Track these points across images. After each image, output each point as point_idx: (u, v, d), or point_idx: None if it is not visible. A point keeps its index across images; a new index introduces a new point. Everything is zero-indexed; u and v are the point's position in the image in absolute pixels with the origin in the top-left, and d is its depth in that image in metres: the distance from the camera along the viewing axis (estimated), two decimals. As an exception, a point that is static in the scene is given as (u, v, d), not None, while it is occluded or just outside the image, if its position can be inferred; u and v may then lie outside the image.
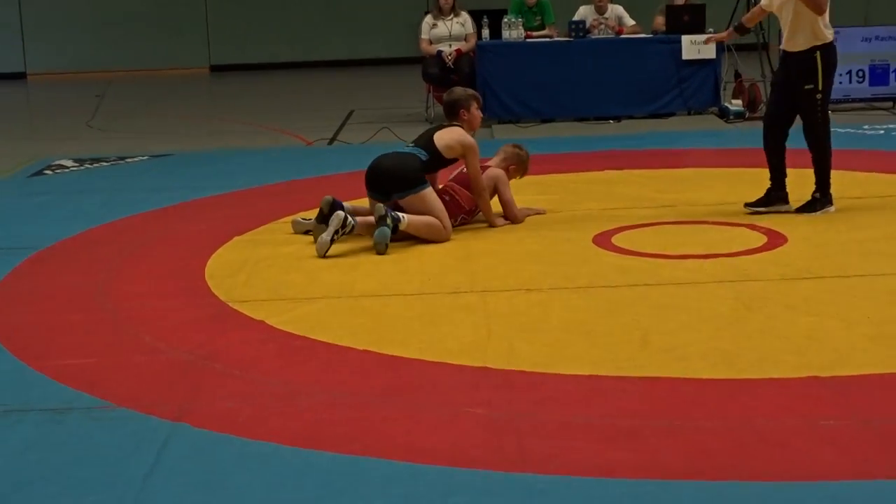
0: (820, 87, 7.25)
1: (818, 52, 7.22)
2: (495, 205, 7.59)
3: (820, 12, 7.17)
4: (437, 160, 7.28)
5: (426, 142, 7.32)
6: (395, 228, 6.91)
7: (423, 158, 7.23)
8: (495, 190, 7.57)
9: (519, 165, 7.81)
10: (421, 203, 7.09)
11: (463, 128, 7.41)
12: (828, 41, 7.24)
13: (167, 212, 8.33)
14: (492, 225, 7.46)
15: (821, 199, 7.40)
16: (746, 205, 7.49)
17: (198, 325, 5.62)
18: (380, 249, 6.83)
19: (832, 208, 7.37)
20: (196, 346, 5.28)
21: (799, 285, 5.92)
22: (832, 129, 7.46)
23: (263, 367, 4.98)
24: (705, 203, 7.86)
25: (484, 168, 7.51)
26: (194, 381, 4.85)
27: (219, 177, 9.73)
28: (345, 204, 7.23)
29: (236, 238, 7.39)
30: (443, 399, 4.55)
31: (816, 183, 7.43)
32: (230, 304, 5.92)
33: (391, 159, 7.24)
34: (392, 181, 7.14)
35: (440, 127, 7.44)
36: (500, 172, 7.60)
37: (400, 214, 6.97)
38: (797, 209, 7.40)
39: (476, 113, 7.52)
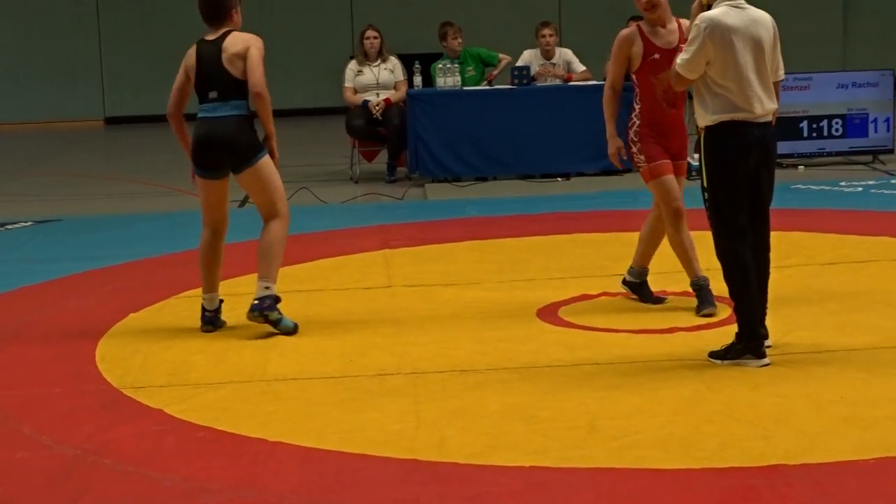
0: (705, 184, 6.04)
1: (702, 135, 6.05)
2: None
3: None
4: (244, 93, 6.82)
5: (227, 82, 6.77)
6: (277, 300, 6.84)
7: (246, 112, 6.81)
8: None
9: None
10: (256, 179, 6.87)
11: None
12: (712, 123, 5.96)
13: (52, 286, 8.31)
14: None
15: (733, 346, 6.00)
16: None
17: (86, 414, 5.61)
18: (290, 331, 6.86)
19: (754, 362, 5.90)
20: (84, 439, 5.26)
21: (766, 362, 6.03)
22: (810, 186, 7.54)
23: (161, 463, 4.98)
24: (664, 271, 7.97)
25: None
26: (81, 479, 4.84)
27: (114, 245, 9.73)
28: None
29: (132, 315, 7.40)
30: (365, 497, 4.57)
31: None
32: (124, 391, 5.92)
33: (222, 127, 6.77)
34: (230, 155, 6.80)
35: (219, 47, 6.83)
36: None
37: (270, 292, 6.79)
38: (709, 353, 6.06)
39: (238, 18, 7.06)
